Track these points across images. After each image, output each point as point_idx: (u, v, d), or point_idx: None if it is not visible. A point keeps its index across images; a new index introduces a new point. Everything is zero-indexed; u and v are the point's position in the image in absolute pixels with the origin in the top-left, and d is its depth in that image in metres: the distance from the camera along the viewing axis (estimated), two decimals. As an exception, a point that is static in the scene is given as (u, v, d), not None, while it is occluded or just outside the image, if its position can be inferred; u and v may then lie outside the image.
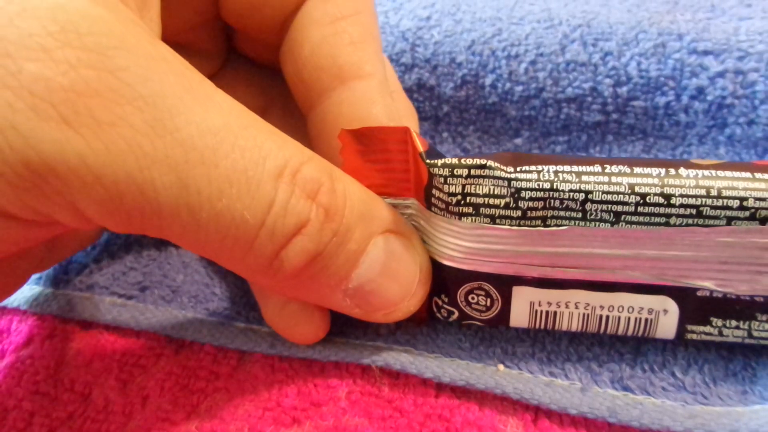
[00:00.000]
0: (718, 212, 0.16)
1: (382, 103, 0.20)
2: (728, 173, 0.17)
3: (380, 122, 0.20)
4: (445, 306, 0.20)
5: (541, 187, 0.17)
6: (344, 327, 0.22)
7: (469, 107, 0.27)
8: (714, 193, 0.16)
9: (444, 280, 0.20)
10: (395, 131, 0.19)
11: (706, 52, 0.24)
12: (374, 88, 0.20)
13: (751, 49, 0.23)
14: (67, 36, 0.14)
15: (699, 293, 0.18)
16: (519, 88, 0.26)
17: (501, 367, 0.20)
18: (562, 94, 0.25)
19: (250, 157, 0.16)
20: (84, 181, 0.14)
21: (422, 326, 0.21)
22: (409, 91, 0.27)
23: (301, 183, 0.17)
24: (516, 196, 0.18)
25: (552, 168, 0.17)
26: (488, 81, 0.26)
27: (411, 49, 0.27)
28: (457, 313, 0.20)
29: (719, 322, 0.18)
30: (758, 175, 0.16)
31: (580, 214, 0.17)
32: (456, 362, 0.20)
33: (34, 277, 0.26)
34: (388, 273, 0.19)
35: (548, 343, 0.20)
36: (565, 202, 0.17)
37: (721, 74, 0.23)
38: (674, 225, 0.17)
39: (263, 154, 0.16)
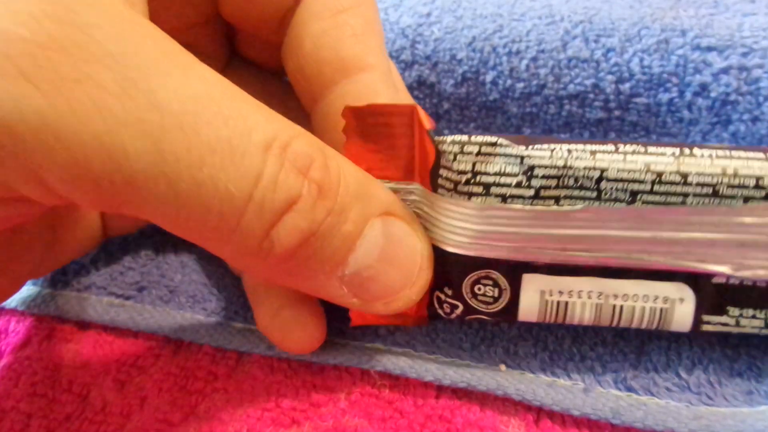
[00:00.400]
0: (735, 191, 0.16)
1: (387, 94, 0.20)
2: (742, 153, 0.16)
3: None
4: (449, 300, 0.20)
5: (554, 164, 0.17)
6: (343, 327, 0.22)
7: (470, 104, 0.27)
8: (730, 171, 0.16)
9: (448, 270, 0.19)
10: (401, 109, 0.18)
11: (709, 48, 0.23)
12: (378, 79, 0.20)
13: (756, 45, 0.23)
14: None
15: (715, 280, 0.17)
16: (520, 85, 0.25)
17: (503, 367, 0.20)
18: (564, 90, 0.25)
19: (235, 126, 0.15)
20: (45, 144, 0.13)
21: (422, 327, 0.21)
22: (409, 88, 0.27)
23: (291, 157, 0.16)
24: (529, 174, 0.17)
25: (565, 146, 0.17)
26: (489, 78, 0.26)
27: (411, 46, 0.27)
28: (461, 307, 0.19)
29: (736, 312, 0.18)
30: None
31: (594, 194, 0.17)
32: (456, 363, 0.20)
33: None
34: (387, 258, 0.18)
35: (551, 342, 0.20)
36: (580, 180, 0.17)
37: (725, 70, 0.23)
38: (691, 204, 0.16)
39: (249, 125, 0.15)
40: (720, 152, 0.16)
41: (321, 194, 0.16)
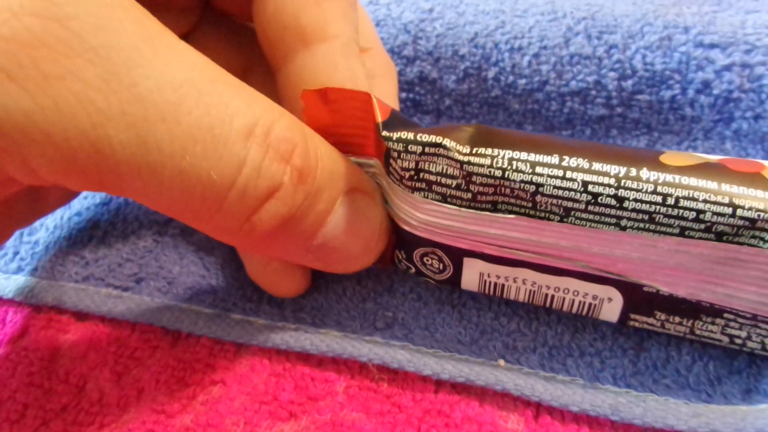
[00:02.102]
0: (671, 221, 0.16)
1: (345, 67, 0.20)
2: (693, 181, 0.15)
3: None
4: (404, 261, 0.21)
5: (492, 174, 0.17)
6: (341, 319, 0.21)
7: (472, 101, 0.26)
8: (671, 201, 0.15)
9: (402, 239, 0.20)
10: (357, 95, 0.18)
11: (712, 45, 0.23)
12: (337, 51, 0.20)
13: (758, 43, 0.23)
14: None
15: (645, 289, 0.18)
16: (522, 82, 0.25)
17: (501, 362, 0.20)
18: (566, 87, 0.25)
19: (216, 114, 0.15)
20: (33, 140, 0.13)
21: (421, 311, 0.21)
22: (410, 84, 0.27)
23: (275, 144, 0.16)
24: (468, 179, 0.17)
25: (508, 154, 0.17)
26: (491, 74, 0.26)
27: (413, 41, 0.27)
28: (413, 269, 0.21)
29: (662, 316, 0.18)
30: (725, 187, 0.15)
31: (530, 204, 0.17)
32: (455, 357, 0.20)
33: (30, 268, 0.25)
34: (351, 230, 0.19)
35: (550, 338, 0.20)
36: (516, 191, 0.17)
37: (728, 68, 0.23)
38: (625, 227, 0.16)
39: (230, 111, 0.15)
40: (669, 177, 0.16)
41: (301, 179, 0.17)
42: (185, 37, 0.22)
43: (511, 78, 0.26)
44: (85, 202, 0.27)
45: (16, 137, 0.13)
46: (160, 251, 0.25)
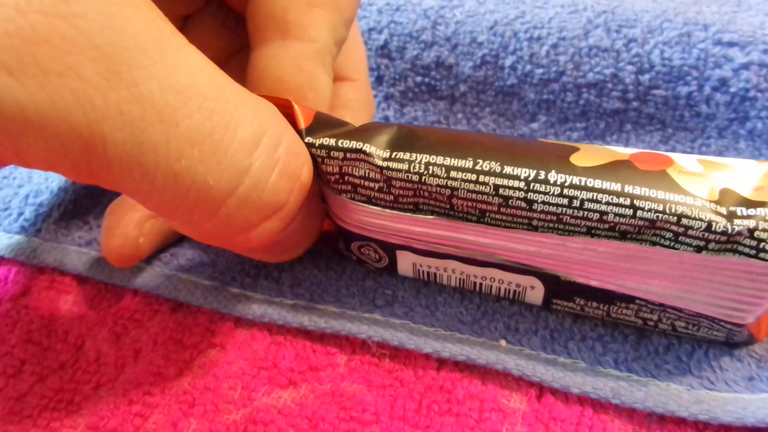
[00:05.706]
0: (578, 221, 0.16)
1: (308, 70, 0.20)
2: (597, 183, 0.16)
3: (300, 89, 0.20)
4: (344, 250, 0.22)
5: (410, 179, 0.17)
6: (340, 296, 0.21)
7: (487, 88, 0.26)
8: (576, 204, 0.16)
9: (340, 231, 0.21)
10: (281, 102, 0.18)
11: (731, 44, 0.23)
12: (307, 54, 0.20)
13: (777, 44, 0.23)
14: None
15: (563, 278, 0.18)
16: (539, 71, 0.25)
17: (503, 342, 0.19)
18: (583, 78, 0.25)
19: (219, 120, 0.15)
20: (24, 133, 0.13)
21: (422, 290, 0.21)
22: (426, 68, 0.27)
23: (285, 158, 0.16)
24: (388, 182, 0.18)
25: (425, 159, 0.17)
26: (508, 62, 0.26)
27: (432, 26, 0.27)
28: (354, 258, 0.22)
29: (581, 302, 0.19)
30: (628, 188, 0.16)
31: (448, 206, 0.18)
32: (456, 336, 0.20)
33: (33, 229, 0.25)
34: (300, 229, 0.20)
35: (551, 321, 0.20)
36: (433, 194, 0.17)
37: (746, 66, 0.23)
38: (536, 227, 0.17)
39: (236, 118, 0.15)
40: (576, 179, 0.16)
41: (302, 194, 0.17)
42: (187, 20, 0.22)
43: (528, 67, 0.26)
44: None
45: (8, 128, 0.13)
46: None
